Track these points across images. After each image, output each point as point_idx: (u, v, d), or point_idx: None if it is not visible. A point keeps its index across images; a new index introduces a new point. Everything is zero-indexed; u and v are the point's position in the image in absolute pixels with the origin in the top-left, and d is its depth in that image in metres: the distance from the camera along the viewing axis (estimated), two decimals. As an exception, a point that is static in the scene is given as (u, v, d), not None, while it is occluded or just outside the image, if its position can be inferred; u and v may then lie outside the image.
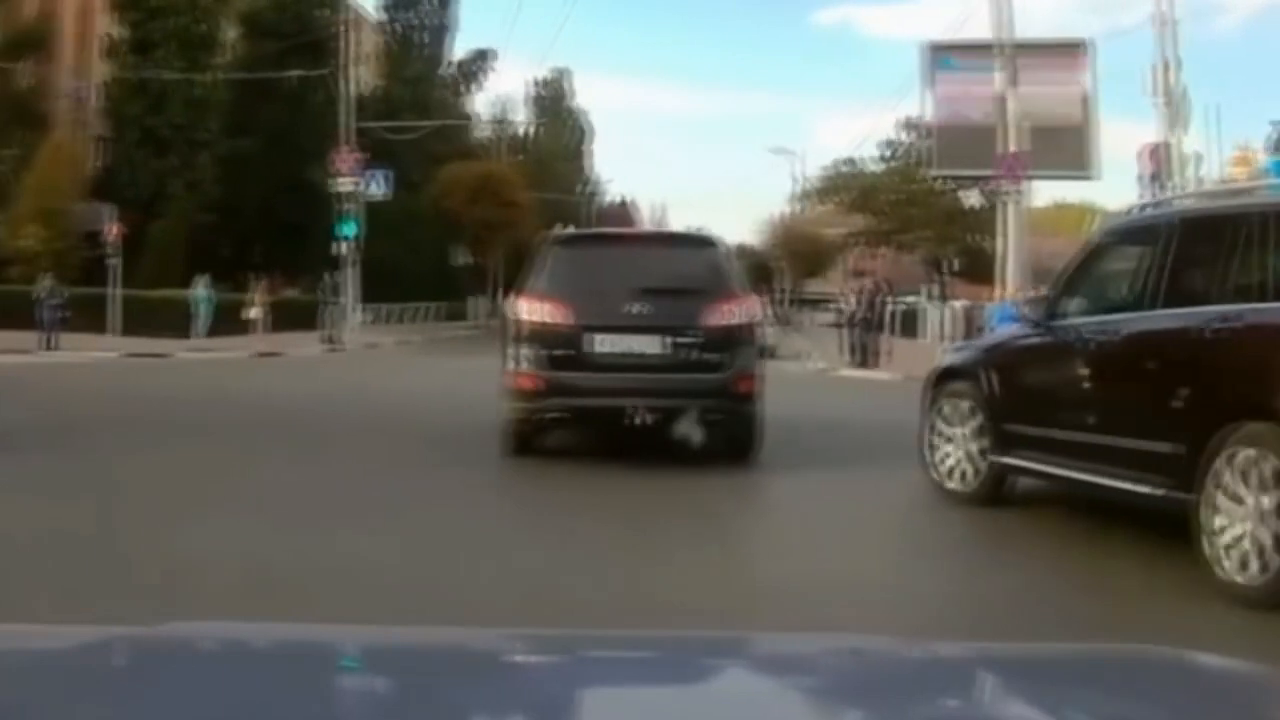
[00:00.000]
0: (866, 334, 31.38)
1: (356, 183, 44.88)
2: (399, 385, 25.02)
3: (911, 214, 67.89)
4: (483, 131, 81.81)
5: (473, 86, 77.49)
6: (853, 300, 33.40)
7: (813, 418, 17.05)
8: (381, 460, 12.63)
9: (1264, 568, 6.59)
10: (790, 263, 79.64)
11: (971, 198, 41.31)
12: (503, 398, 12.24)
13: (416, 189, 57.59)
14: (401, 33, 70.46)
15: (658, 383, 11.51)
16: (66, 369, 27.62)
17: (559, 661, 2.10)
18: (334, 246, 43.60)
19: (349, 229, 43.89)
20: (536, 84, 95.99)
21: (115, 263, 34.66)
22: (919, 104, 43.01)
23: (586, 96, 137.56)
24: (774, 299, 63.68)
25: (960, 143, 37.54)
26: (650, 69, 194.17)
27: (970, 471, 9.85)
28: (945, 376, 10.50)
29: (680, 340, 11.52)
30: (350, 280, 43.93)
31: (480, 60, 78.86)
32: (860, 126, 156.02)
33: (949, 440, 10.07)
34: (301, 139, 52.14)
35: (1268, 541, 6.57)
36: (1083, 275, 9.35)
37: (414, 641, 2.28)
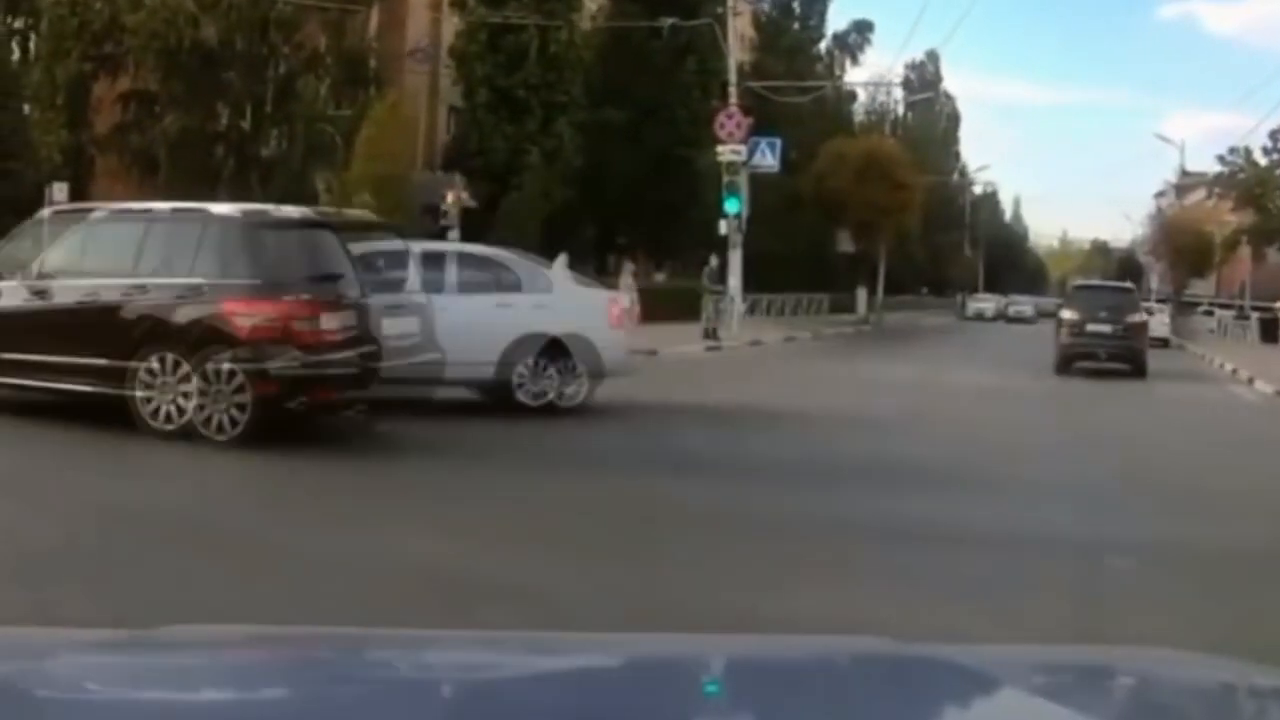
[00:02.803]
0: None
1: (740, 151, 37.26)
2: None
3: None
4: (858, 111, 77.86)
5: (849, 62, 72.43)
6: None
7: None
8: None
9: (178, 419, 11.65)
10: (1174, 260, 73.17)
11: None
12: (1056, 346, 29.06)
13: (794, 168, 50.75)
14: (776, 1, 65.94)
15: (1107, 342, 28.02)
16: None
17: (554, 664, 2.07)
18: (720, 226, 36.52)
19: (734, 205, 36.45)
20: (908, 67, 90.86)
21: (454, 235, 27.88)
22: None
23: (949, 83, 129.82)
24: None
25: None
26: (997, 60, 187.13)
27: None
28: None
29: (1116, 326, 27.86)
30: (737, 265, 36.39)
31: (858, 33, 73.40)
32: (1214, 121, 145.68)
33: None
34: (674, 110, 46.62)
35: (180, 406, 11.66)
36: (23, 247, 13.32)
37: (409, 643, 2.26)
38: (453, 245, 16.30)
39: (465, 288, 15.02)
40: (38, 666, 1.81)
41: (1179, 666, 2.19)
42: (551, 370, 15.01)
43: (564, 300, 15.44)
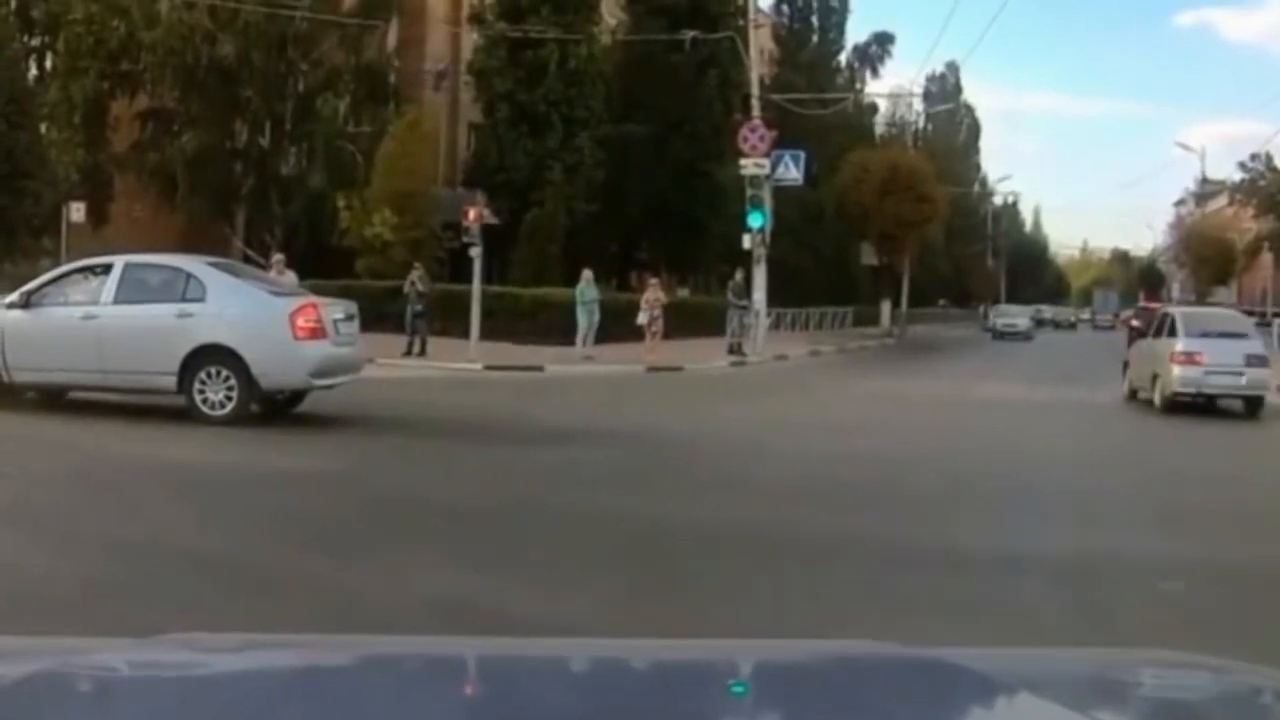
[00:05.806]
0: None
1: (763, 164, 36.67)
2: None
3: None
4: (879, 123, 76.58)
5: (869, 74, 72.14)
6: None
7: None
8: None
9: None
10: (1195, 269, 73.84)
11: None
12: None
13: (816, 181, 50.31)
14: (795, 15, 65.91)
15: None
16: (386, 386, 20.20)
17: (561, 669, 2.09)
18: (744, 240, 35.89)
19: (758, 219, 35.87)
20: (928, 79, 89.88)
21: (477, 252, 27.35)
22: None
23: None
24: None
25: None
26: (1016, 71, 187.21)
27: None
28: None
29: None
30: (761, 280, 35.93)
31: (879, 45, 72.79)
32: (1234, 128, 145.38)
33: None
34: (696, 124, 45.83)
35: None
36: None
37: (418, 650, 2.24)
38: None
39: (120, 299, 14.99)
40: (42, 675, 1.78)
41: (1180, 667, 2.19)
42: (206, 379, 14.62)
43: (216, 309, 14.67)
